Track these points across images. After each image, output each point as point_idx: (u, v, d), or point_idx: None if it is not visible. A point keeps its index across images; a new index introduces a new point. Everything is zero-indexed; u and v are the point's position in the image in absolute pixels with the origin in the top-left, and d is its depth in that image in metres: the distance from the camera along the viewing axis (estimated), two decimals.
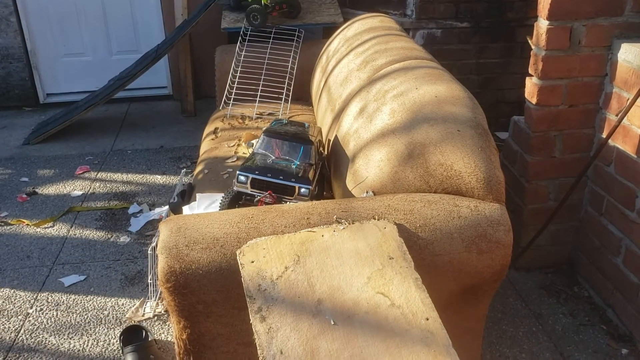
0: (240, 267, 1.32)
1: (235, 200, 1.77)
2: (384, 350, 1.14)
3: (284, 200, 1.73)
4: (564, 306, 2.23)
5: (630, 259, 2.04)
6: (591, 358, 1.98)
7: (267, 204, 1.72)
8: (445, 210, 1.44)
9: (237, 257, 1.35)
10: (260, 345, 1.16)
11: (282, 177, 1.73)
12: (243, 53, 2.93)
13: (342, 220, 1.43)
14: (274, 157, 1.83)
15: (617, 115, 2.09)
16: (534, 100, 2.19)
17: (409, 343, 1.15)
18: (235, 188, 1.75)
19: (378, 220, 1.43)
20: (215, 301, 1.40)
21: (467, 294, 1.50)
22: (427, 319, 1.19)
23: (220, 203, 1.77)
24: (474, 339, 1.63)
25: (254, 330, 1.19)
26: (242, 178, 1.73)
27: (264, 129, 1.95)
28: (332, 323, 1.20)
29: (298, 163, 1.82)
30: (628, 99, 2.01)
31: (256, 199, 1.73)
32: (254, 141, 2.44)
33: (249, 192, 1.74)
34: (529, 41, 2.21)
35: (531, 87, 2.20)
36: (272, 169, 1.76)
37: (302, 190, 1.73)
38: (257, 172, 1.74)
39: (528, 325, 2.13)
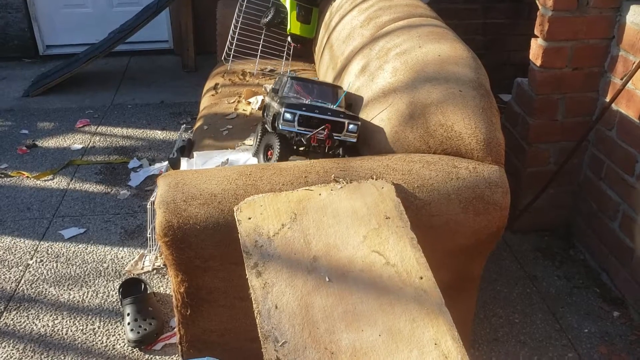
0: (238, 224, 1.33)
1: (288, 146, 1.68)
2: (377, 307, 1.16)
3: (334, 136, 1.66)
4: (559, 269, 2.25)
5: (627, 224, 2.05)
6: (583, 320, 2.01)
7: (320, 140, 1.65)
8: (444, 171, 1.44)
9: (235, 214, 1.35)
10: (255, 300, 1.18)
11: (330, 114, 1.66)
12: (244, 7, 2.88)
13: (340, 179, 1.43)
14: (307, 101, 1.74)
15: (621, 79, 2.06)
16: (538, 62, 2.16)
17: (403, 301, 1.17)
18: (281, 127, 1.66)
19: (376, 179, 1.43)
20: (212, 256, 1.41)
21: (463, 255, 1.51)
22: (421, 278, 1.20)
23: (277, 153, 1.66)
24: (467, 298, 1.65)
25: (249, 285, 1.21)
26: (288, 116, 1.64)
27: (287, 74, 1.87)
28: (327, 280, 1.21)
29: (338, 105, 1.73)
30: (634, 63, 1.99)
31: (308, 136, 1.64)
32: (252, 99, 2.43)
33: (296, 130, 1.65)
34: (537, 1, 2.17)
35: (536, 49, 2.17)
36: (317, 107, 1.67)
37: (351, 126, 1.66)
38: (304, 109, 1.65)
39: (522, 286, 2.16)
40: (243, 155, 1.92)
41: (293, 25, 2.75)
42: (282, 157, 1.65)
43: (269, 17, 2.80)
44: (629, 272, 2.04)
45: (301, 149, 1.70)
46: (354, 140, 1.69)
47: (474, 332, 1.94)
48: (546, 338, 1.94)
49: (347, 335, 1.12)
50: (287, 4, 2.75)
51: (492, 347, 1.89)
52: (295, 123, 1.66)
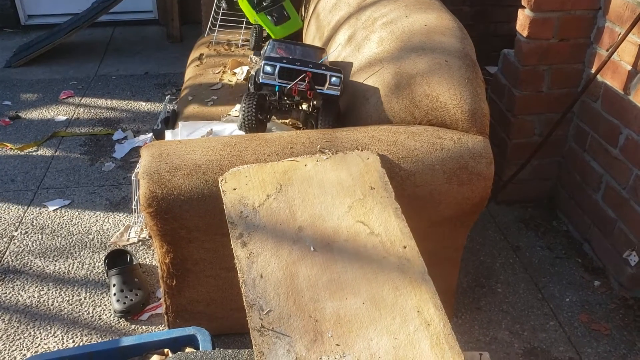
0: (222, 194, 1.32)
1: (261, 104, 1.66)
2: (361, 276, 1.17)
3: (317, 89, 1.65)
4: (542, 239, 2.28)
5: (609, 195, 2.07)
6: (565, 289, 2.05)
7: (301, 90, 1.64)
8: (429, 142, 1.44)
9: (219, 184, 1.35)
10: (240, 270, 1.19)
11: (311, 66, 1.64)
12: None
13: (326, 150, 1.43)
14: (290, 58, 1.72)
15: (607, 50, 2.06)
16: (524, 33, 2.15)
17: (386, 269, 1.18)
18: (261, 80, 1.65)
19: (361, 150, 1.43)
20: (197, 227, 1.41)
21: (446, 225, 1.52)
22: (405, 247, 1.21)
23: (244, 111, 1.64)
24: (451, 268, 1.67)
25: (235, 255, 1.21)
26: (268, 68, 1.63)
27: (271, 39, 1.84)
28: (312, 250, 1.22)
29: (321, 62, 1.72)
30: (620, 34, 1.99)
31: (289, 87, 1.63)
32: (238, 69, 2.40)
33: (277, 82, 1.64)
34: None
35: (523, 20, 2.16)
36: (298, 60, 1.66)
37: (333, 79, 1.65)
38: (284, 61, 1.64)
39: (505, 257, 2.19)
40: (228, 126, 1.90)
41: (275, 33, 2.64)
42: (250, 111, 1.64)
43: (254, 41, 2.66)
44: (611, 243, 2.07)
45: (278, 118, 1.69)
46: (337, 93, 1.66)
47: (457, 301, 1.97)
48: (528, 307, 1.97)
49: (331, 304, 1.13)
50: (258, 21, 2.62)
51: (474, 315, 1.92)
52: (276, 76, 1.64)
